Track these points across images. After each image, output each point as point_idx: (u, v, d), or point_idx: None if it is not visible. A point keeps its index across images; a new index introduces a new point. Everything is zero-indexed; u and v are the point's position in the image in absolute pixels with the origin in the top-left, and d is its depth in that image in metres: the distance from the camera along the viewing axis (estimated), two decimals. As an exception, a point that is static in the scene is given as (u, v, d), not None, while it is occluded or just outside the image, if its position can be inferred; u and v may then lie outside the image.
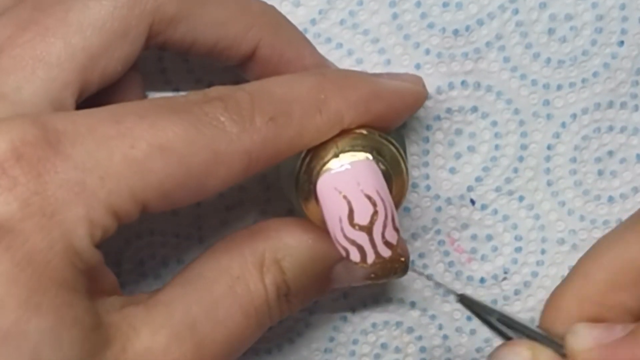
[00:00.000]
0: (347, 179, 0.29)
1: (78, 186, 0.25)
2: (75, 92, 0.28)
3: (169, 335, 0.27)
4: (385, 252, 0.30)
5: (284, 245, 0.30)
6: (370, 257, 0.29)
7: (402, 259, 0.32)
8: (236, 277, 0.29)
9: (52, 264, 0.25)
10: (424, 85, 0.32)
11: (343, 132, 0.30)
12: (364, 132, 0.30)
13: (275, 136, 0.28)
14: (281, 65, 0.31)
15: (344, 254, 0.29)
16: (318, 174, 0.29)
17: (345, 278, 0.32)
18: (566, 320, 0.32)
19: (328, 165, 0.29)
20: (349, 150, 0.29)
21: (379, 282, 0.34)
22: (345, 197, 0.29)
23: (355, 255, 0.29)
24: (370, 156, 0.30)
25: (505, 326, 0.32)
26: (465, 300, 0.33)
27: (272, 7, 0.32)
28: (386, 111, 0.30)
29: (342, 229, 0.29)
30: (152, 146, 0.26)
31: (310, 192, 0.30)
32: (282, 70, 0.31)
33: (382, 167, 0.30)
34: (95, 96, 0.29)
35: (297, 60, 0.32)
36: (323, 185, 0.29)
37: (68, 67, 0.28)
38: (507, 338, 0.32)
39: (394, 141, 0.30)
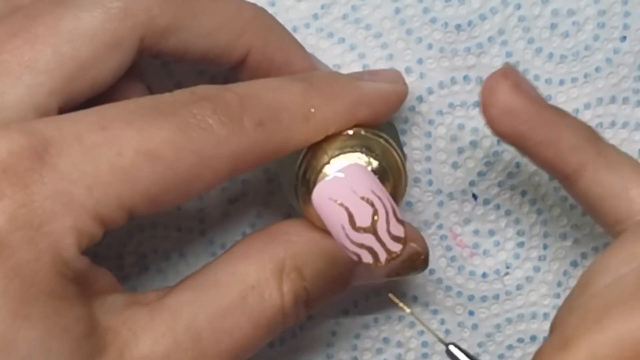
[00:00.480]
0: (339, 186, 0.29)
1: (65, 197, 0.25)
2: (61, 99, 0.28)
3: (169, 344, 0.27)
4: (396, 247, 0.29)
5: (306, 252, 0.29)
6: (382, 256, 0.29)
7: (423, 256, 0.32)
8: (251, 286, 0.28)
9: (40, 275, 0.25)
10: (404, 83, 0.32)
11: (330, 136, 0.30)
12: (350, 132, 0.30)
13: (263, 141, 0.28)
14: (271, 71, 0.31)
15: (355, 258, 0.29)
16: (315, 184, 0.29)
17: (366, 276, 0.32)
18: None
19: (322, 173, 0.30)
20: (339, 154, 0.30)
21: (400, 278, 0.34)
22: (342, 204, 0.29)
23: (367, 257, 0.29)
24: (361, 155, 0.30)
25: None
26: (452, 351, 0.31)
27: (263, 11, 0.32)
28: (370, 116, 0.30)
29: (347, 236, 0.29)
30: (139, 153, 0.26)
31: (312, 202, 0.30)
32: (272, 75, 0.31)
33: (375, 162, 0.30)
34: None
35: (287, 66, 0.32)
36: (318, 197, 0.29)
37: (56, 75, 0.28)
38: None
39: (382, 134, 0.30)
